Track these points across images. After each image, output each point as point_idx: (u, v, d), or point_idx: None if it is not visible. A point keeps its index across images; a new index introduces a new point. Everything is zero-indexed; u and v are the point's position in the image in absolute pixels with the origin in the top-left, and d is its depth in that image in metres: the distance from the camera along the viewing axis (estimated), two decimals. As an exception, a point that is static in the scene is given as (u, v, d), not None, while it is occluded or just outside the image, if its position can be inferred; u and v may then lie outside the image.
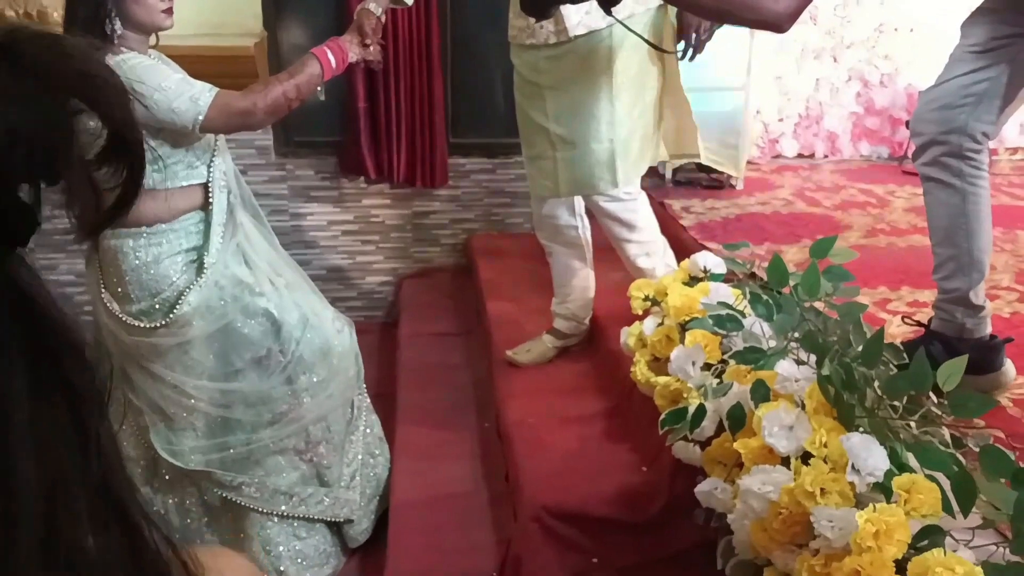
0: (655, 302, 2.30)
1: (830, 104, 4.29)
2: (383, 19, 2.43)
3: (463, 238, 4.14)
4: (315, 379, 2.48)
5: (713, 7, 2.02)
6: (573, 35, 2.35)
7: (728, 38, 2.58)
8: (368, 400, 2.75)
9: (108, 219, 0.50)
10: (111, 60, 1.84)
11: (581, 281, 2.74)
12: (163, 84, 2.10)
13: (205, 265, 2.30)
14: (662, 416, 1.90)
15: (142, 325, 2.28)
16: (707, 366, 1.96)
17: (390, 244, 4.14)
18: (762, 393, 1.70)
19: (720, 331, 1.93)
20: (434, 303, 3.83)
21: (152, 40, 2.23)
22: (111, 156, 0.48)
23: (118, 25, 2.10)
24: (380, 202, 4.08)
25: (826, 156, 4.34)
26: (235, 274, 2.36)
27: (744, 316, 1.92)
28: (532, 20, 2.37)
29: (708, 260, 2.29)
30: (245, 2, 3.73)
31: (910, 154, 4.15)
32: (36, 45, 0.45)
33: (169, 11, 2.17)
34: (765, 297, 1.86)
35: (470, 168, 4.08)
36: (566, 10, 2.31)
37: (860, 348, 1.69)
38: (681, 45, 2.48)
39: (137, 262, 2.24)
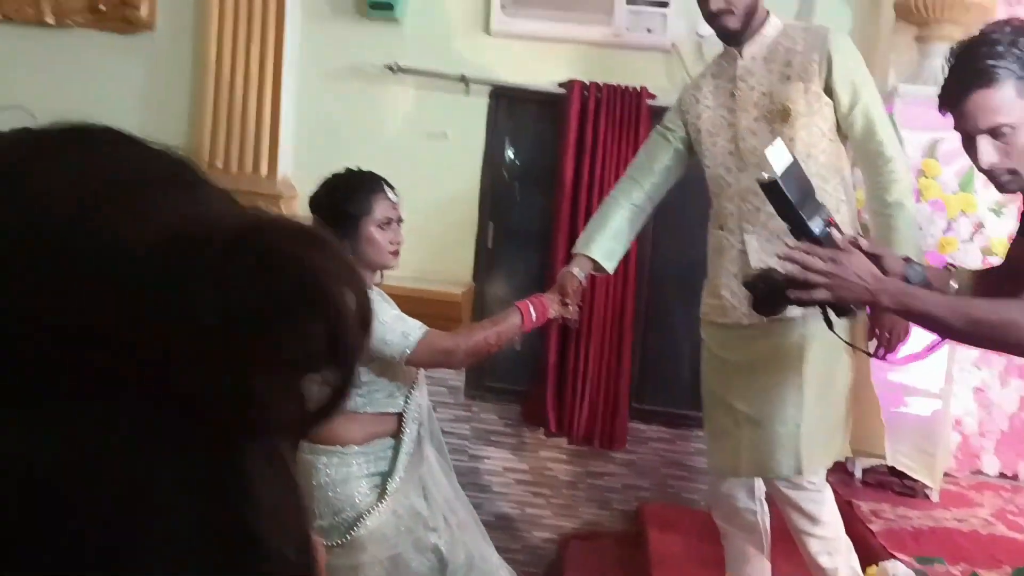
0: (836, 607, 2.16)
1: (1038, 424, 4.05)
2: (584, 283, 2.56)
3: (635, 505, 4.05)
4: (476, 622, 2.43)
5: (967, 330, 1.80)
6: (768, 320, 2.39)
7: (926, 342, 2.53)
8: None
9: (309, 426, 0.46)
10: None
11: (755, 571, 2.61)
12: (382, 318, 2.26)
13: (388, 491, 2.36)
14: None
15: (322, 543, 2.33)
16: None
17: (560, 500, 4.10)
18: None
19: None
20: (598, 569, 3.72)
21: (377, 278, 2.43)
22: (328, 363, 0.44)
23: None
24: (556, 455, 4.09)
25: (1031, 478, 4.05)
26: (413, 505, 2.40)
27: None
28: (726, 299, 2.43)
29: (899, 570, 2.15)
30: (459, 254, 4.03)
31: None
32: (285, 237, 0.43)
33: (396, 253, 2.38)
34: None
35: (650, 435, 4.06)
36: None
37: None
38: (874, 343, 2.46)
39: (327, 479, 2.32)
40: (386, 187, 2.37)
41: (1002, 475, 4.06)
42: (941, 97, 1.90)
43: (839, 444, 2.50)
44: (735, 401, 2.46)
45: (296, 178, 3.94)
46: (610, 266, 2.68)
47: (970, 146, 1.86)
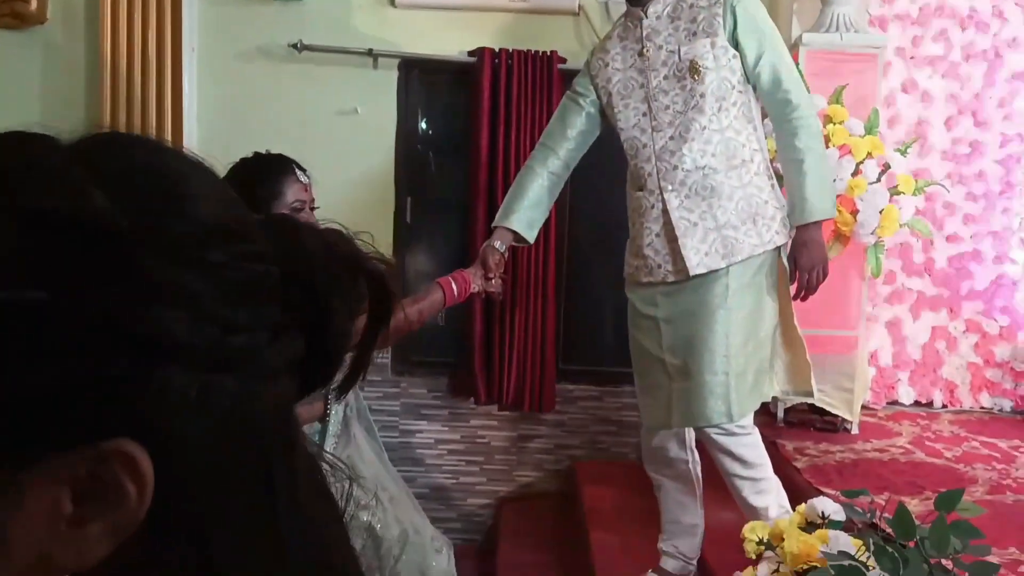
0: (769, 546, 2.22)
1: (947, 353, 4.23)
2: (506, 255, 2.58)
3: (567, 464, 4.12)
4: (412, 599, 2.44)
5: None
6: (693, 274, 2.44)
7: (843, 282, 2.63)
8: (463, 626, 2.67)
9: (356, 372, 0.58)
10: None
11: (690, 518, 2.68)
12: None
13: (316, 475, 2.34)
14: (780, 670, 1.79)
15: None
16: (827, 619, 1.86)
17: (494, 466, 4.14)
18: (888, 653, 1.60)
19: (842, 582, 1.84)
20: (535, 530, 3.77)
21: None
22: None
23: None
24: (487, 423, 4.12)
25: (945, 406, 4.23)
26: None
27: (868, 568, 1.84)
28: (650, 258, 2.47)
29: (827, 506, 2.22)
30: (378, 231, 3.94)
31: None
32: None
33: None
34: (891, 550, 1.78)
35: (578, 395, 4.12)
36: (687, 251, 2.41)
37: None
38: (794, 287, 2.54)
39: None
40: (296, 169, 2.32)
41: (917, 403, 4.23)
42: None
43: (766, 387, 2.57)
44: (665, 355, 2.51)
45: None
46: (531, 236, 2.70)
47: None
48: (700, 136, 2.44)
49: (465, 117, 3.96)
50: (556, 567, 3.43)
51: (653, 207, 2.51)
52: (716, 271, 2.44)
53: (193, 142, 3.88)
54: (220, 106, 3.94)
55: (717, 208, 2.44)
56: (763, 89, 2.49)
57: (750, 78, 2.49)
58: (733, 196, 2.45)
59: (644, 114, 2.51)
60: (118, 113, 3.78)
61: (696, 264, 2.43)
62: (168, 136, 3.80)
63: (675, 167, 2.46)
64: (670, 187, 2.47)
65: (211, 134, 3.89)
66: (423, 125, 4.11)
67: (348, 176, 3.88)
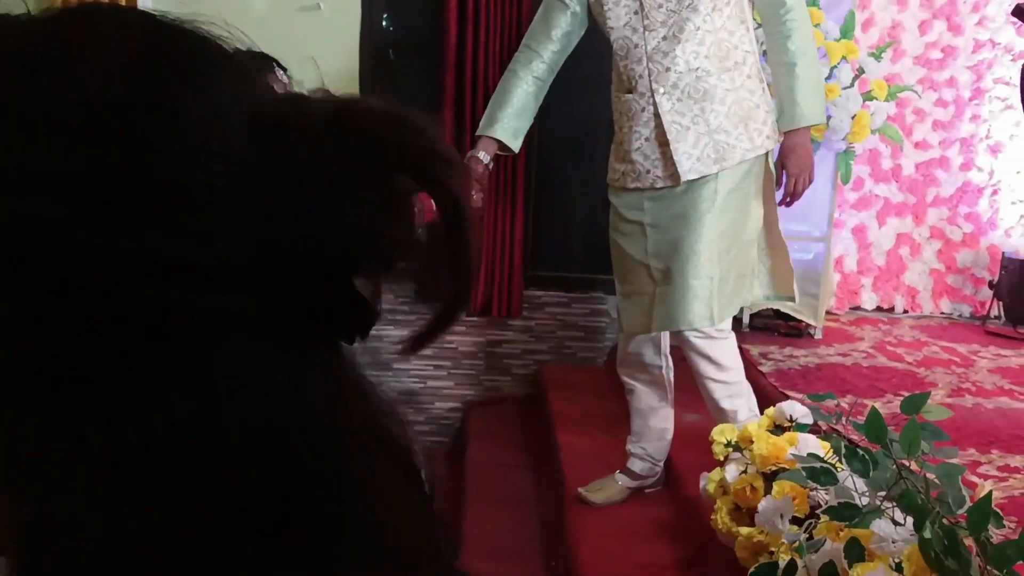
0: (737, 448, 2.26)
1: (910, 259, 4.28)
2: (491, 167, 2.52)
3: (534, 369, 4.14)
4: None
5: None
6: (685, 179, 2.41)
7: (812, 188, 2.63)
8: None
9: (442, 324, 0.46)
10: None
11: (660, 422, 2.71)
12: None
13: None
14: (752, 570, 1.84)
15: None
16: (794, 520, 1.91)
17: (461, 371, 4.16)
18: (857, 552, 1.65)
19: (813, 484, 1.88)
20: (503, 433, 3.81)
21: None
22: (445, 244, 0.43)
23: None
24: (454, 328, 4.11)
25: (906, 311, 4.30)
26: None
27: (837, 470, 1.88)
28: (638, 163, 2.43)
29: (795, 410, 2.25)
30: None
31: (993, 314, 4.11)
32: (371, 118, 0.42)
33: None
34: (860, 452, 1.82)
35: (546, 300, 4.12)
36: (679, 156, 2.38)
37: (959, 511, 1.63)
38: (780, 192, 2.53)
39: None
40: (277, 68, 2.23)
41: (879, 308, 4.30)
42: None
43: (747, 292, 2.58)
44: (650, 260, 2.49)
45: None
46: (516, 145, 2.64)
47: None
48: (694, 37, 2.38)
49: (434, 14, 3.84)
50: (525, 468, 3.48)
51: (644, 110, 2.46)
52: (706, 176, 2.42)
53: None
54: (177, 3, 3.78)
55: (709, 112, 2.40)
56: None
57: None
58: (725, 99, 2.41)
59: (635, 12, 2.44)
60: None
61: (688, 169, 2.40)
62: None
63: (667, 68, 2.40)
64: (662, 89, 2.42)
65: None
66: (389, 25, 3.98)
67: (311, 76, 3.74)
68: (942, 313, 4.31)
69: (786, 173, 2.48)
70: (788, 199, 2.52)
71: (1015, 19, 2.04)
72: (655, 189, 2.46)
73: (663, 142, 2.43)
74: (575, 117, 3.85)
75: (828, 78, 3.31)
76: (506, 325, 4.11)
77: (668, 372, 2.65)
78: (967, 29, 4.11)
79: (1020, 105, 2.08)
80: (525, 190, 3.93)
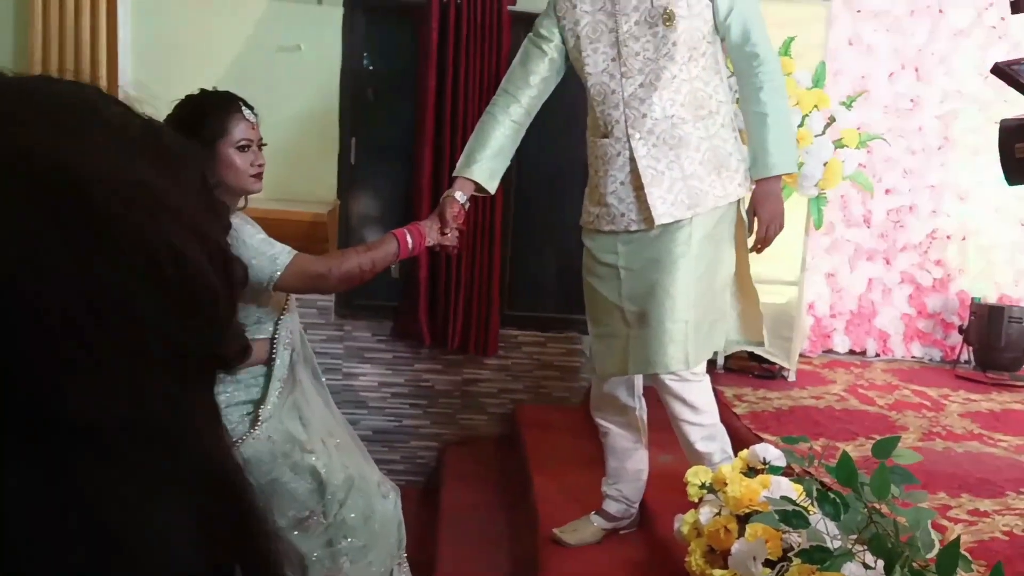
0: (712, 490, 2.28)
1: (882, 304, 4.34)
2: (467, 207, 2.54)
3: (510, 408, 4.15)
4: (356, 544, 2.45)
5: None
6: (659, 224, 2.44)
7: (785, 233, 2.68)
8: (408, 570, 2.69)
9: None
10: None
11: (635, 463, 2.72)
12: (248, 242, 2.19)
13: (260, 419, 2.32)
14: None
15: None
16: (767, 562, 1.92)
17: (437, 409, 4.16)
18: (829, 595, 1.66)
19: (785, 527, 1.90)
20: (478, 473, 3.80)
21: (241, 203, 2.34)
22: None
23: (209, 187, 2.22)
24: (431, 367, 4.13)
25: (878, 355, 4.35)
26: (288, 430, 2.37)
27: (810, 513, 1.89)
28: (613, 206, 2.47)
29: (769, 452, 2.27)
30: (322, 172, 3.93)
31: (963, 359, 4.17)
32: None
33: (259, 176, 2.28)
34: (832, 495, 1.84)
35: (522, 340, 4.14)
36: (653, 200, 2.42)
37: (929, 555, 1.65)
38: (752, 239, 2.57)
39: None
40: (244, 107, 2.26)
41: (851, 352, 4.35)
42: None
43: (720, 336, 2.61)
44: (624, 303, 2.51)
45: (140, 100, 3.72)
46: (492, 187, 2.66)
47: None
48: (670, 85, 2.43)
49: (413, 57, 3.89)
50: (500, 508, 3.47)
51: (619, 154, 2.50)
52: (680, 220, 2.45)
53: (127, 79, 3.75)
54: (157, 42, 3.80)
55: (684, 158, 2.45)
56: (732, 42, 2.48)
57: (720, 29, 2.48)
58: (700, 147, 2.46)
59: (613, 59, 2.48)
60: (50, 49, 3.63)
61: (662, 213, 2.44)
62: (103, 73, 3.66)
63: (644, 115, 2.44)
64: (638, 135, 2.46)
65: (147, 71, 3.76)
66: (369, 65, 4.03)
67: (290, 115, 3.79)
68: (913, 357, 4.36)
69: (757, 220, 2.52)
70: (759, 246, 2.56)
71: (997, 77, 2.09)
72: (629, 232, 2.50)
73: (638, 186, 2.47)
74: (552, 159, 3.90)
75: (800, 126, 3.38)
76: (482, 364, 4.12)
77: (642, 413, 2.67)
78: (935, 79, 4.21)
79: (1000, 163, 2.11)
80: (503, 230, 3.97)
